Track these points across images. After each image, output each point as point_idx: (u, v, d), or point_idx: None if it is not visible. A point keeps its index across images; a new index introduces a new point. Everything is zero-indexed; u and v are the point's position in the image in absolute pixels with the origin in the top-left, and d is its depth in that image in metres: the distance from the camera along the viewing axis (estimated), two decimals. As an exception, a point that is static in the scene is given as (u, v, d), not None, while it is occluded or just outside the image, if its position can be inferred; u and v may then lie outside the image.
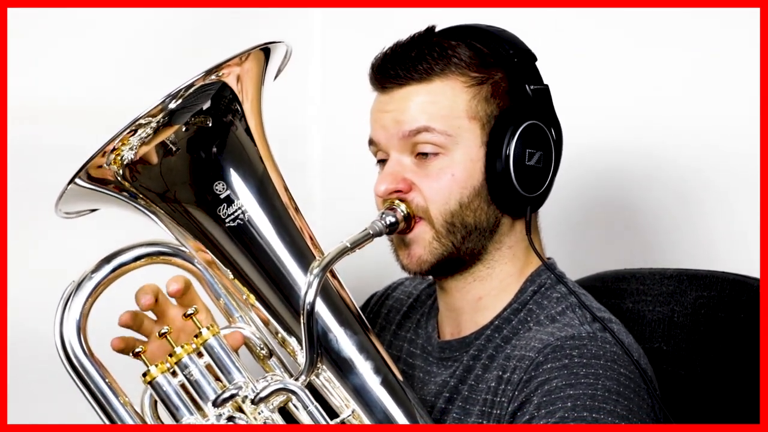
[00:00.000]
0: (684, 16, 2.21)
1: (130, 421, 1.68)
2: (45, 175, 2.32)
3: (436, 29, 1.83)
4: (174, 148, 1.65)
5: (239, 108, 1.68)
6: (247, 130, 1.69)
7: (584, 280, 2.01)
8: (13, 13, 2.29)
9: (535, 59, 1.82)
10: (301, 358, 1.66)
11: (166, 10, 2.41)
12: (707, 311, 1.89)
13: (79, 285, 1.70)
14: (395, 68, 1.78)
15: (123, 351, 1.74)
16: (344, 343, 1.69)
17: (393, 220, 1.75)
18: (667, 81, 2.25)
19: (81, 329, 1.68)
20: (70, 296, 1.69)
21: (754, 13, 2.14)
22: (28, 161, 2.33)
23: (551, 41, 2.16)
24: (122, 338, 1.74)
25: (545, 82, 1.82)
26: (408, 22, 1.86)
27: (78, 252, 2.12)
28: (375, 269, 2.10)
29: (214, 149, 1.66)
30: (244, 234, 1.68)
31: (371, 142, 1.83)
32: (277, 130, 1.80)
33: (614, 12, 2.27)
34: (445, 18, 1.91)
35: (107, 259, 1.71)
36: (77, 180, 1.66)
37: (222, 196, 1.67)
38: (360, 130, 2.59)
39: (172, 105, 1.62)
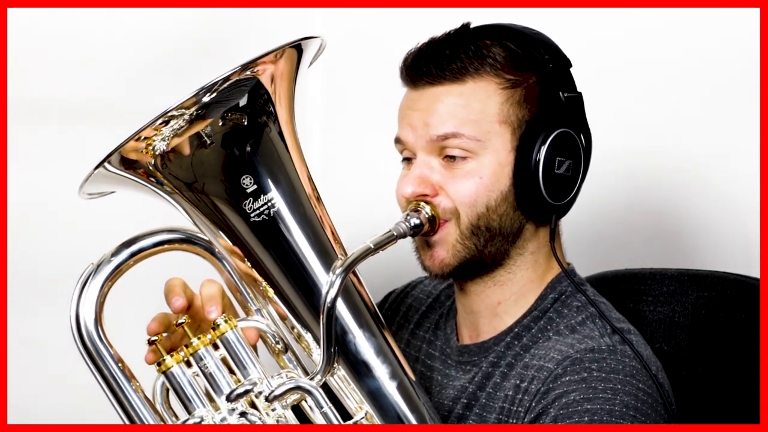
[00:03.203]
0: (683, 16, 2.22)
1: (141, 407, 1.67)
2: (45, 175, 2.33)
3: (471, 26, 1.80)
4: (208, 141, 1.64)
5: (273, 109, 1.67)
6: (280, 133, 1.68)
7: (585, 280, 2.01)
8: (13, 13, 2.29)
9: (570, 65, 1.79)
10: (317, 356, 1.66)
11: (166, 10, 2.40)
12: (708, 311, 1.89)
13: (98, 267, 1.69)
14: (428, 65, 1.75)
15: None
16: (362, 345, 1.68)
17: (418, 222, 1.73)
18: (665, 82, 2.25)
19: (98, 312, 1.67)
20: (88, 278, 1.68)
21: (754, 13, 2.14)
22: (28, 160, 2.33)
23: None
24: (153, 350, 1.71)
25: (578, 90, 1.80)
26: (408, 23, 1.86)
27: (76, 253, 2.12)
28: (394, 266, 2.09)
29: (248, 147, 1.65)
30: (268, 230, 1.67)
31: (398, 141, 1.80)
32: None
33: (611, 12, 2.27)
34: (446, 18, 1.90)
35: (127, 244, 1.69)
36: (107, 164, 1.64)
37: (249, 191, 1.66)
38: (360, 130, 2.59)
39: (206, 98, 1.61)
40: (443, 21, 1.86)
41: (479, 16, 1.90)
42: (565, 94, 1.77)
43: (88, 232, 2.24)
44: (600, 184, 2.28)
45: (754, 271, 1.98)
